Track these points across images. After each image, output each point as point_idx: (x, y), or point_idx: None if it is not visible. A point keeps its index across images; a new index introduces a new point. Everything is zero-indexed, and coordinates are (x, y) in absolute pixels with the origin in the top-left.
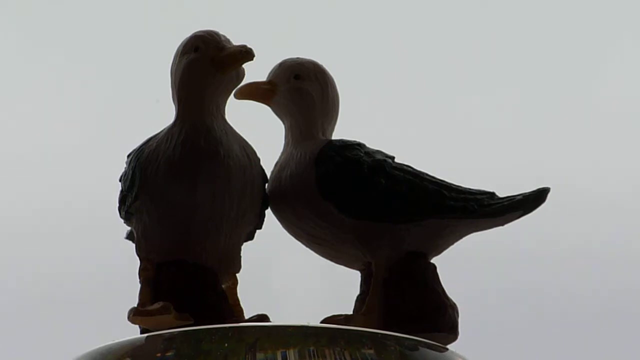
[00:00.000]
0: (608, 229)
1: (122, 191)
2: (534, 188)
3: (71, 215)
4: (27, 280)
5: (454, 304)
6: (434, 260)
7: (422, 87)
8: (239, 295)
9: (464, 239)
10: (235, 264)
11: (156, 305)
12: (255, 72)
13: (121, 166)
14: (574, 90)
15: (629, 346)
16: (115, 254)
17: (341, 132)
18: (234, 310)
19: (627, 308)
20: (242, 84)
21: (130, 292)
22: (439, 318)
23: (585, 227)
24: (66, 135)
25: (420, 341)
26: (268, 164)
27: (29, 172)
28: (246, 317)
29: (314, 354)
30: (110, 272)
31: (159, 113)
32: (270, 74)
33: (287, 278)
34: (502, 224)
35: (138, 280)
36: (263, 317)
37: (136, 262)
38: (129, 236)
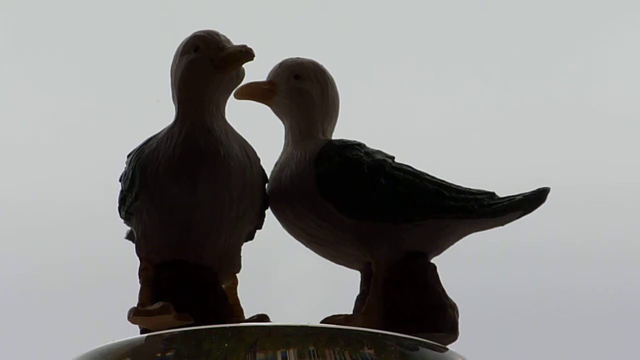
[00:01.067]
0: (608, 229)
1: (122, 191)
2: (534, 188)
3: (72, 215)
4: (27, 280)
5: (454, 304)
6: (434, 260)
7: (422, 87)
8: (239, 295)
9: (464, 239)
10: (235, 264)
11: (156, 305)
12: (255, 72)
13: (121, 166)
14: (574, 90)
15: (629, 346)
16: (115, 254)
17: (341, 132)
18: (234, 310)
19: (627, 308)
20: (242, 84)
21: (130, 292)
22: (439, 318)
23: (586, 227)
24: (66, 135)
25: (420, 341)
26: (268, 164)
27: (28, 172)
28: (246, 317)
29: (314, 354)
30: (110, 272)
31: (158, 113)
32: (270, 74)
33: (287, 278)
34: (502, 224)
35: (138, 280)
36: (263, 317)
37: (136, 261)
38: (129, 236)
